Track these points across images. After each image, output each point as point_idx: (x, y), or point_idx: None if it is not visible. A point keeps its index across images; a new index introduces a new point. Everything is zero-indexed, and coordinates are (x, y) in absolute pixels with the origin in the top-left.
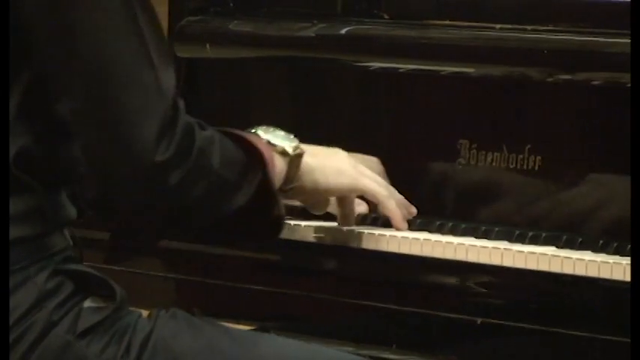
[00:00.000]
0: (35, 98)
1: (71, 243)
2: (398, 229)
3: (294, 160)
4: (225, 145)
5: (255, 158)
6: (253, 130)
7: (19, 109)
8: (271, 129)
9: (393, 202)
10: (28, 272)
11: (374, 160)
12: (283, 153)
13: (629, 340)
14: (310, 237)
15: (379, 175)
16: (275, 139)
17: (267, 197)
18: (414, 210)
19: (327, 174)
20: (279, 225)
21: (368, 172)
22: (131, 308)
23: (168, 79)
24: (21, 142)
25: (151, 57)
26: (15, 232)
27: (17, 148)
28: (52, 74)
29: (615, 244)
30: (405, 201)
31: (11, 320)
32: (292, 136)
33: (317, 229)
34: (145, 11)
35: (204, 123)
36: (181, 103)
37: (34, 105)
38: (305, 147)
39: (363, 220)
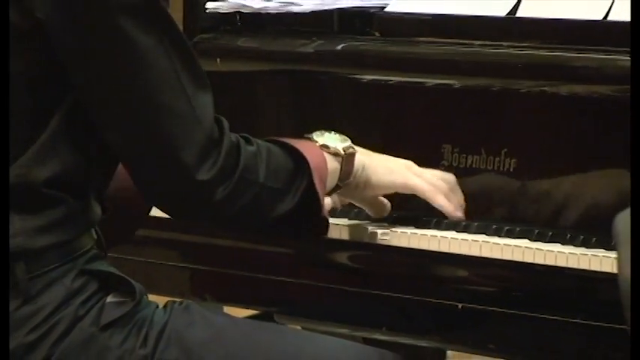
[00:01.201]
0: (74, 129)
1: (96, 237)
2: (452, 218)
3: (347, 159)
4: (271, 156)
5: (301, 165)
6: (308, 136)
7: (56, 136)
8: (325, 133)
9: (440, 197)
10: (56, 273)
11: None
12: (336, 154)
13: (594, 323)
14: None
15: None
16: (328, 141)
17: (313, 201)
18: (462, 200)
19: (378, 172)
20: (322, 225)
21: (418, 169)
22: (150, 295)
23: (204, 104)
24: (57, 167)
25: (183, 87)
26: (47, 239)
27: (53, 172)
28: (93, 108)
29: (582, 237)
30: (456, 193)
31: (41, 317)
32: (345, 137)
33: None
34: (174, 43)
35: (250, 137)
36: (225, 124)
37: (73, 134)
38: (360, 149)
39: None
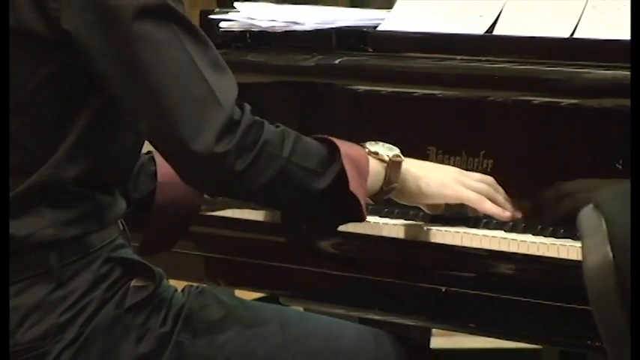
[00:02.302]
0: (98, 131)
1: (121, 228)
2: (501, 219)
3: (392, 165)
4: (300, 139)
5: (333, 152)
6: (362, 144)
7: (83, 137)
8: (377, 143)
9: (487, 204)
10: (85, 261)
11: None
12: (382, 160)
13: (561, 304)
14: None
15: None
16: (377, 149)
17: (344, 185)
18: (505, 196)
19: (430, 184)
20: (356, 210)
21: (465, 178)
22: (170, 280)
23: (224, 87)
24: (85, 165)
25: (202, 74)
26: (76, 230)
27: (81, 170)
28: (121, 104)
29: (551, 229)
30: (499, 192)
31: (72, 299)
32: (394, 148)
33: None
34: (189, 36)
35: (283, 125)
36: (247, 107)
37: (97, 136)
38: (415, 161)
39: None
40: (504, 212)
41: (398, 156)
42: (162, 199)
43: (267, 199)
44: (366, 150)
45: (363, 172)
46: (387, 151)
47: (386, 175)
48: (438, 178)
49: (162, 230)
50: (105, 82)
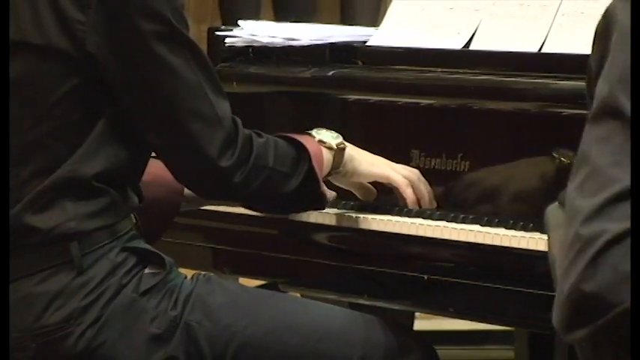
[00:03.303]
0: (118, 131)
1: (134, 221)
2: (413, 207)
3: (338, 152)
4: (277, 146)
5: (303, 153)
6: (308, 132)
7: (100, 139)
8: (322, 130)
9: (408, 190)
10: (103, 250)
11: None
12: (330, 147)
13: (530, 290)
14: (310, 218)
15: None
16: (324, 137)
17: (313, 181)
18: (429, 188)
19: (363, 164)
20: (321, 200)
21: (397, 168)
22: (180, 269)
23: (224, 108)
24: (102, 164)
25: (207, 95)
26: (95, 223)
27: (98, 168)
28: (136, 116)
29: (521, 223)
30: (423, 183)
31: (92, 285)
32: (337, 135)
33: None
34: (198, 61)
35: (260, 132)
36: (239, 122)
37: (112, 139)
38: (352, 146)
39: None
40: (414, 204)
41: (342, 143)
42: (147, 197)
43: (252, 200)
44: (316, 139)
45: (320, 165)
46: (332, 139)
47: (334, 161)
48: (369, 160)
49: (147, 225)
50: (121, 96)
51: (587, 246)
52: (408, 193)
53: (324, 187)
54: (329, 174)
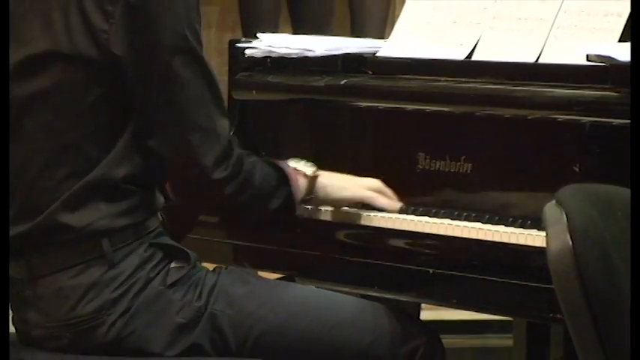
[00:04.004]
0: (141, 138)
1: (161, 219)
2: (392, 210)
3: (312, 180)
4: (264, 168)
5: (284, 179)
6: (288, 160)
7: (128, 144)
8: (300, 161)
9: (381, 199)
10: (132, 246)
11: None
12: (305, 175)
13: (528, 283)
14: (325, 217)
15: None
16: (300, 166)
17: (292, 203)
18: (391, 193)
19: (335, 189)
20: (294, 217)
21: (365, 182)
22: (203, 263)
23: (223, 125)
24: (131, 167)
25: (210, 111)
26: (125, 221)
27: (128, 171)
28: (145, 120)
29: (520, 221)
30: (391, 195)
31: (122, 278)
32: (311, 164)
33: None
34: (207, 80)
35: (251, 152)
36: (235, 140)
37: (140, 142)
38: (323, 172)
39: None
40: (394, 207)
41: (316, 172)
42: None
43: (239, 211)
44: (294, 167)
45: (297, 190)
46: (307, 168)
47: (308, 188)
48: (340, 185)
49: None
50: (136, 98)
51: None
52: (383, 202)
53: (299, 210)
54: (302, 200)
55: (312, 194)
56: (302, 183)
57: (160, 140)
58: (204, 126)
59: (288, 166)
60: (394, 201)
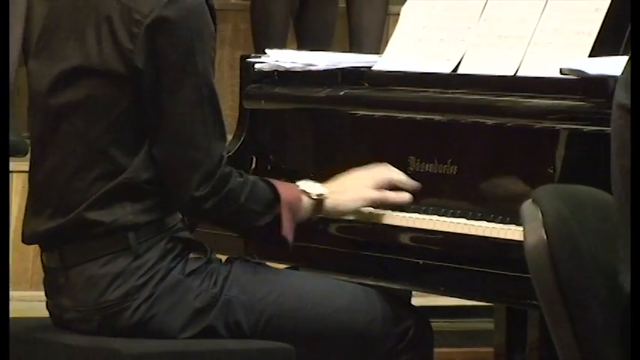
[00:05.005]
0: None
1: (180, 217)
2: (404, 204)
3: (318, 201)
4: (255, 188)
5: (276, 199)
6: (296, 183)
7: (150, 151)
8: (309, 182)
9: (390, 197)
10: (155, 240)
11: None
12: (310, 196)
13: (507, 273)
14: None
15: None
16: (306, 187)
17: (279, 225)
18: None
19: (348, 205)
20: (280, 237)
21: (371, 179)
22: (218, 254)
23: (217, 147)
24: (152, 172)
25: (207, 130)
26: (148, 217)
27: (149, 175)
28: (151, 128)
29: (500, 217)
30: (398, 174)
31: (145, 268)
32: (320, 186)
33: None
34: (211, 101)
35: (244, 173)
36: (224, 160)
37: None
38: (330, 189)
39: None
40: (404, 197)
41: (322, 194)
42: None
43: (223, 224)
44: (300, 189)
45: (296, 212)
46: (315, 189)
47: (313, 208)
48: (348, 199)
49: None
50: (147, 108)
51: None
52: (394, 199)
53: (287, 232)
54: (309, 219)
55: (321, 214)
56: (306, 201)
57: (159, 150)
58: (198, 142)
59: (295, 185)
60: (402, 194)
